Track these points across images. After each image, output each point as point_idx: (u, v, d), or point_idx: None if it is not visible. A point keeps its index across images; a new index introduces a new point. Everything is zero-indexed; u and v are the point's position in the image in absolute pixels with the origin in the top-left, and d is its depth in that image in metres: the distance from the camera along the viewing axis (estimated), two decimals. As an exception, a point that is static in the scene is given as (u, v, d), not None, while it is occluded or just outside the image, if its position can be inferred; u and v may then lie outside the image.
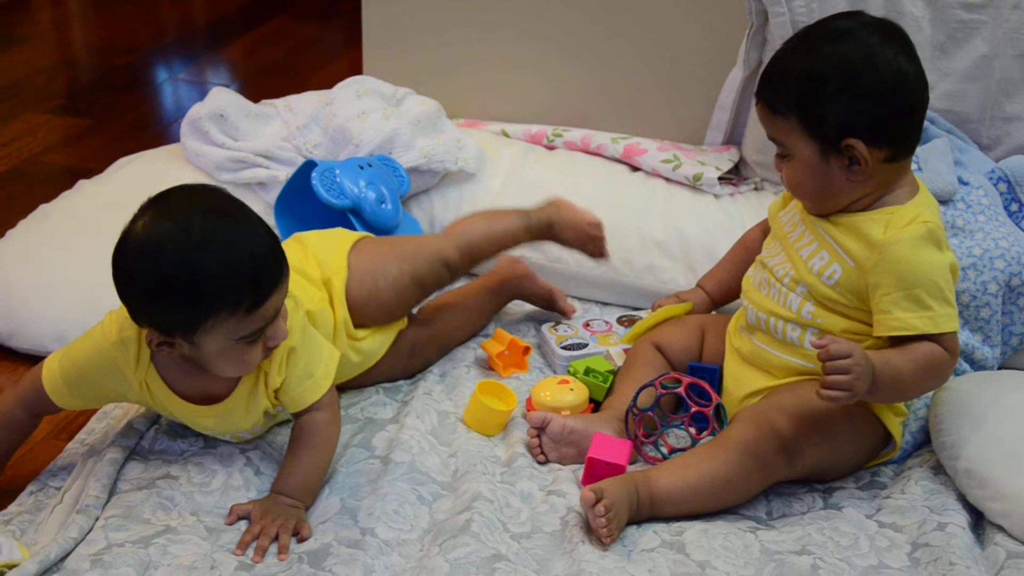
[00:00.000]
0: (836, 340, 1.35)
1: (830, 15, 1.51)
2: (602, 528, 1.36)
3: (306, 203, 1.90)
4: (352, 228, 1.87)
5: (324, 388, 1.46)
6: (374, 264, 1.64)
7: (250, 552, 1.36)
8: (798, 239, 1.53)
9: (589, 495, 1.37)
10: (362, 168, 1.92)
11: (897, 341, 1.42)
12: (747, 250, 1.70)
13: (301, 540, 1.38)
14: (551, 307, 1.89)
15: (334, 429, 1.49)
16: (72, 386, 1.45)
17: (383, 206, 1.90)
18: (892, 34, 1.44)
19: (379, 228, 1.90)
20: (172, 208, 1.34)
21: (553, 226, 1.77)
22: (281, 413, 1.52)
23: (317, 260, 1.61)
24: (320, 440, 1.46)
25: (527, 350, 1.75)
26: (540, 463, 1.54)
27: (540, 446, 1.54)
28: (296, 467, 1.44)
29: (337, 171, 1.89)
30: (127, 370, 1.42)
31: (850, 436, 1.49)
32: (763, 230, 1.68)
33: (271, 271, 1.35)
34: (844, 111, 1.41)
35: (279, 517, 1.39)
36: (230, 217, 1.35)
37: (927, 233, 1.42)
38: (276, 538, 1.38)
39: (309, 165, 1.92)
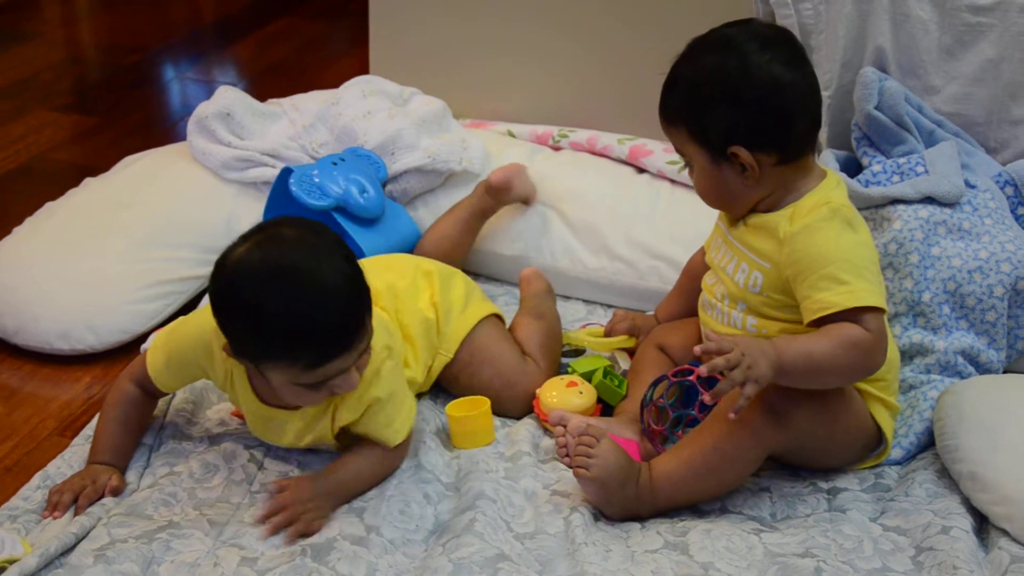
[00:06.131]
0: (708, 342, 1.33)
1: (721, 24, 1.50)
2: (563, 457, 1.40)
3: (292, 209, 1.90)
4: (338, 227, 1.86)
5: (403, 436, 1.49)
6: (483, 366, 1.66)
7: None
8: (720, 258, 1.55)
9: (560, 429, 1.41)
10: (335, 164, 1.92)
11: (822, 325, 1.39)
12: (691, 277, 1.71)
13: (308, 535, 1.39)
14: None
15: (390, 467, 1.49)
16: (171, 363, 1.49)
17: (365, 195, 1.90)
18: (772, 41, 1.44)
19: (367, 218, 1.90)
20: (271, 248, 1.34)
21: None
22: (334, 444, 1.52)
23: (436, 320, 1.64)
24: (375, 462, 1.47)
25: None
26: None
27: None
28: (342, 469, 1.46)
29: (314, 172, 1.90)
30: (218, 357, 1.45)
31: (838, 403, 1.46)
32: (703, 254, 1.67)
33: (338, 340, 1.34)
34: (722, 120, 1.43)
35: (311, 511, 1.39)
36: (312, 275, 1.32)
37: (830, 213, 1.42)
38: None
39: (286, 172, 1.92)
